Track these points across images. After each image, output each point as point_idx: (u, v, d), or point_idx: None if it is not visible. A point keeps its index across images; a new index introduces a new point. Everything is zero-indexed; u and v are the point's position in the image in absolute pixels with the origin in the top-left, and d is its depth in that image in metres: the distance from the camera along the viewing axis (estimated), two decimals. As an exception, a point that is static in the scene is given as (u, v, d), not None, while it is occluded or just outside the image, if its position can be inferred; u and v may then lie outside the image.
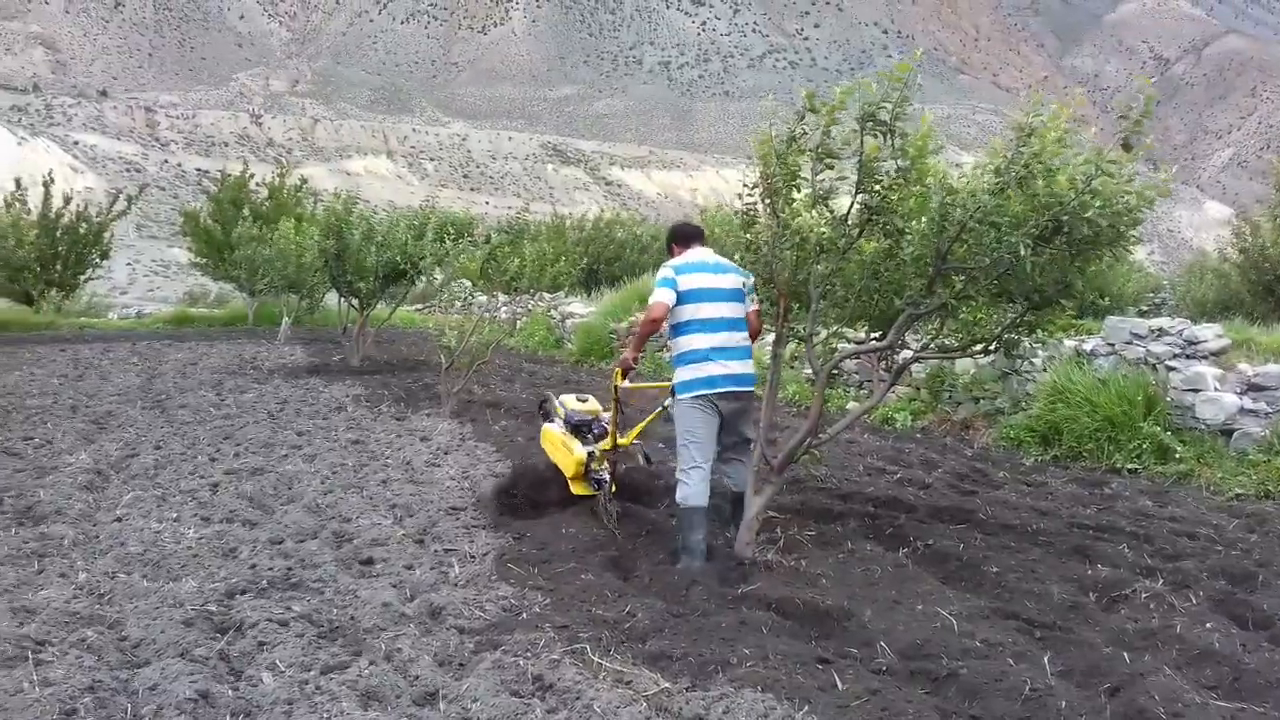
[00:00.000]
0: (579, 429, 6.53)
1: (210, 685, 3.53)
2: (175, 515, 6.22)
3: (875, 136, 4.97)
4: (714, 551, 5.31)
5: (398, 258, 13.17)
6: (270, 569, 5.04)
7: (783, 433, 9.26)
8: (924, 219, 4.90)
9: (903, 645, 4.05)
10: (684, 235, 5.92)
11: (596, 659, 3.87)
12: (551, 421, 6.82)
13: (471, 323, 10.66)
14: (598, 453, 6.28)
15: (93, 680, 3.53)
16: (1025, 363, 9.00)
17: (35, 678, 3.48)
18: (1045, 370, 8.85)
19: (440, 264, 12.00)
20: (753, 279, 5.65)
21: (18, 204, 22.51)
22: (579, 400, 6.77)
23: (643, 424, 6.21)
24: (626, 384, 6.03)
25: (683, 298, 5.45)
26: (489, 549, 5.51)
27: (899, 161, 4.98)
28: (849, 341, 6.16)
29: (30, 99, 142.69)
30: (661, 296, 5.45)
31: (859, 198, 5.08)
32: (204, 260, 26.25)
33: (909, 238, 5.01)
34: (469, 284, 18.51)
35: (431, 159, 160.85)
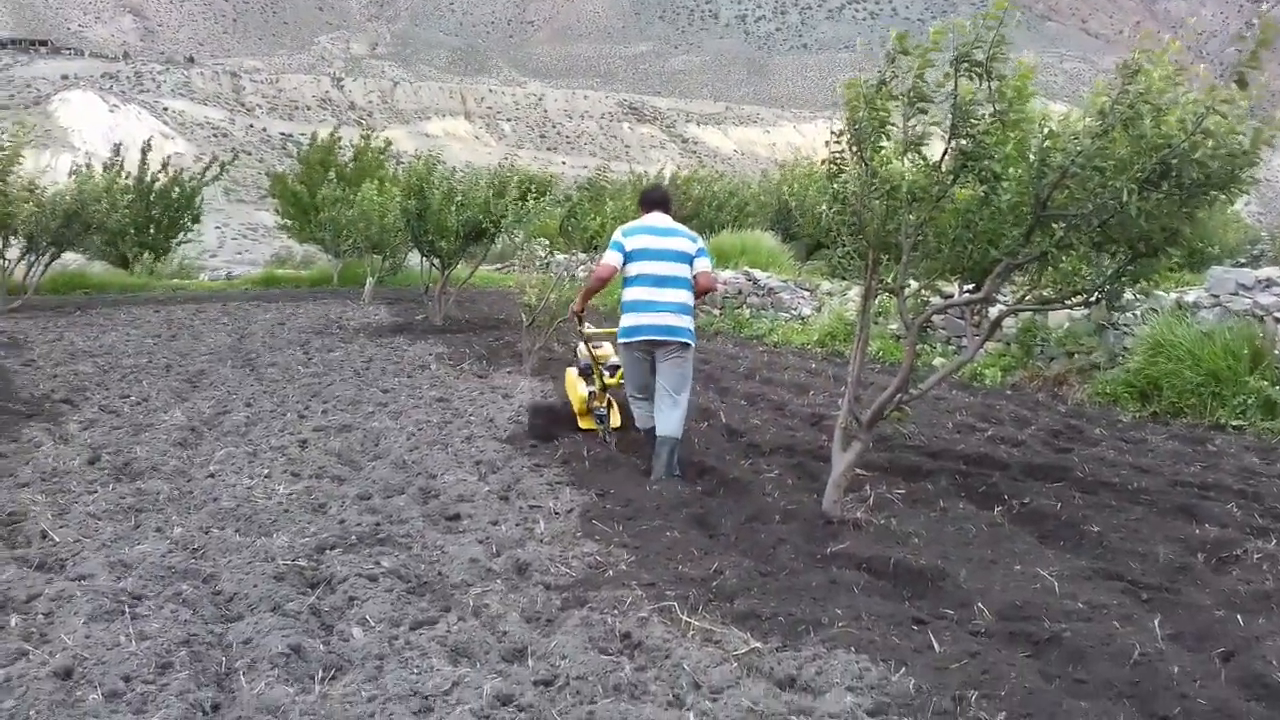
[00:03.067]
0: (585, 372, 7.46)
1: (302, 640, 3.56)
2: (266, 471, 6.33)
3: (970, 79, 4.75)
4: (802, 512, 5.22)
5: (479, 216, 13.19)
6: (359, 524, 5.09)
7: (867, 388, 9.09)
8: (1022, 164, 4.69)
9: (1001, 606, 3.92)
10: (647, 200, 6.68)
11: (685, 617, 3.81)
12: (574, 367, 7.80)
13: (551, 281, 10.62)
14: (595, 391, 7.19)
15: (188, 634, 3.59)
16: (1123, 316, 8.68)
17: (132, 631, 3.55)
18: (1144, 323, 8.50)
19: (520, 222, 11.98)
20: (702, 242, 6.51)
21: (113, 169, 23.09)
22: (592, 347, 7.45)
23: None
24: (589, 328, 7.13)
25: (630, 256, 6.23)
26: (573, 505, 5.49)
27: (995, 104, 4.75)
28: (940, 295, 5.95)
29: (121, 66, 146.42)
30: (608, 259, 6.29)
31: (953, 143, 4.86)
32: (291, 222, 26.74)
33: (1006, 184, 4.79)
34: (547, 242, 18.53)
35: (508, 119, 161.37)
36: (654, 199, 6.65)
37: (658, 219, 6.44)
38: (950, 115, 4.79)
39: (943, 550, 4.64)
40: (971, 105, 4.77)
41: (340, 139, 27.62)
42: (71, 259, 23.50)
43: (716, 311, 14.87)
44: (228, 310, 17.80)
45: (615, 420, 7.14)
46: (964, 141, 4.83)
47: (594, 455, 6.60)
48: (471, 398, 9.02)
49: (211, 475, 6.25)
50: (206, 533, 5.07)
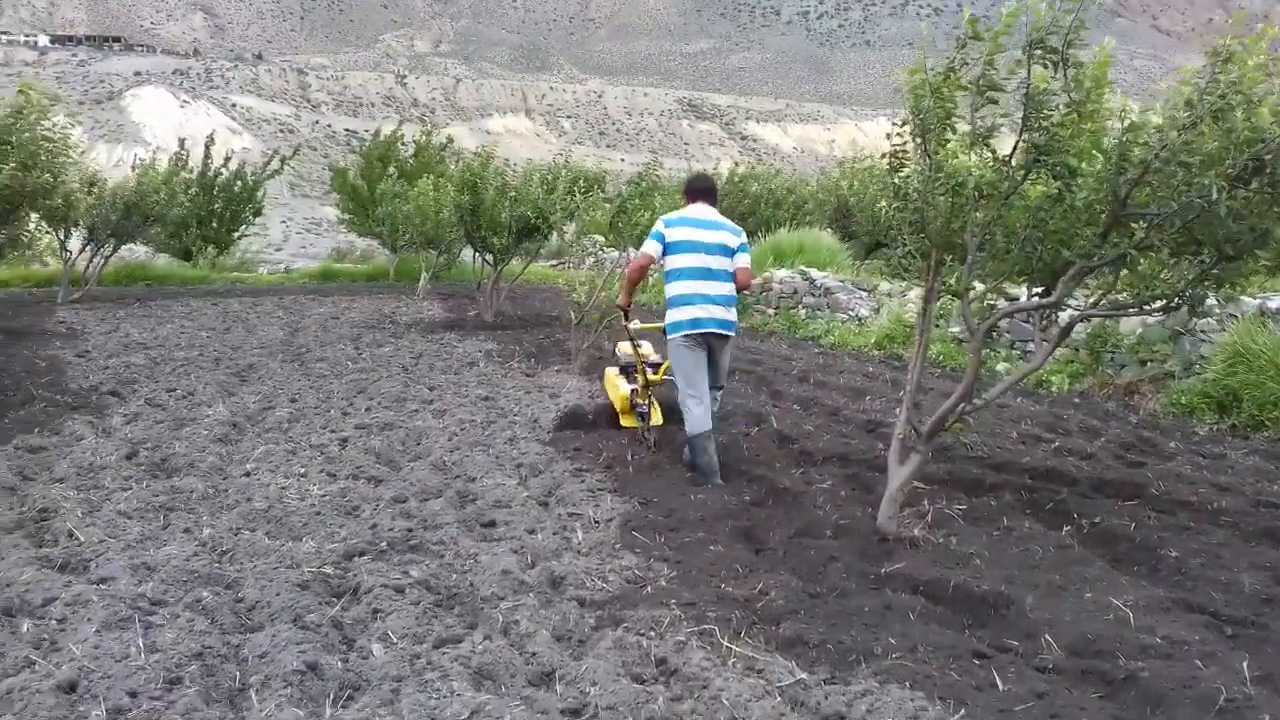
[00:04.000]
0: (626, 370, 7.49)
1: (320, 656, 3.37)
2: (303, 470, 6.18)
3: (1044, 66, 4.42)
4: (855, 527, 4.92)
5: (529, 213, 13.03)
6: (391, 529, 4.90)
7: (927, 395, 8.73)
8: (1099, 159, 4.35)
9: (1071, 639, 3.59)
10: (691, 190, 6.53)
11: (725, 642, 3.55)
12: (614, 366, 7.85)
13: (601, 278, 10.40)
14: (638, 389, 7.12)
15: (202, 646, 3.42)
16: (1201, 322, 8.23)
17: (142, 642, 3.38)
18: (1223, 330, 8.03)
19: (571, 217, 11.78)
20: (744, 238, 6.33)
21: (178, 163, 23.37)
22: (631, 346, 7.36)
23: (668, 363, 6.72)
24: (635, 325, 6.91)
25: (671, 248, 6.14)
26: (613, 514, 5.25)
27: (1071, 94, 4.41)
28: (1007, 298, 5.61)
29: (191, 63, 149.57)
30: (646, 248, 6.24)
31: (1024, 136, 4.53)
32: (350, 217, 26.87)
33: (1081, 180, 4.45)
34: (600, 239, 18.27)
35: (568, 116, 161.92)
36: (699, 188, 6.51)
37: (701, 210, 6.31)
38: (1023, 106, 4.46)
39: (1007, 574, 4.32)
40: (1045, 95, 4.44)
41: (402, 135, 27.69)
42: (137, 251, 23.88)
43: (771, 311, 14.54)
44: (283, 304, 17.87)
45: (657, 418, 7.04)
46: (1036, 134, 4.49)
47: (638, 461, 6.36)
48: (517, 397, 8.83)
49: (247, 474, 6.12)
50: (235, 534, 4.92)
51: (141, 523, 5.03)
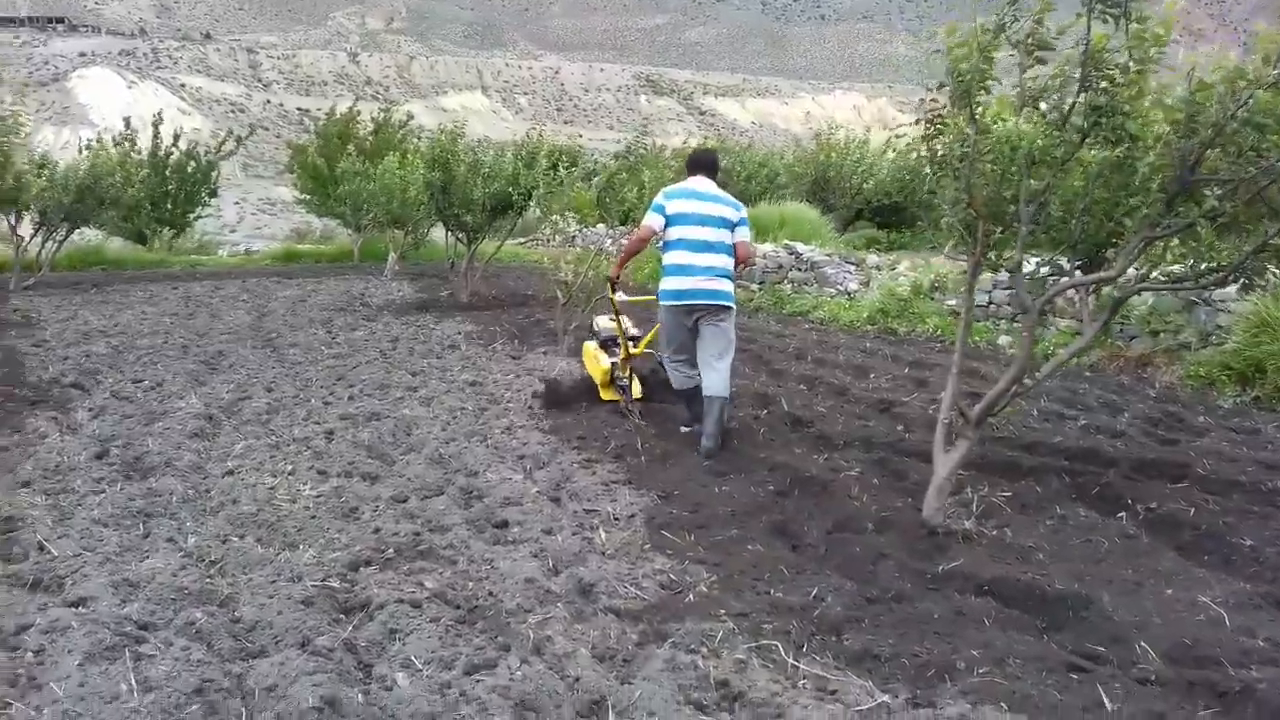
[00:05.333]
0: (606, 344, 7.49)
1: (337, 688, 2.96)
2: (290, 467, 5.74)
3: (1105, 20, 4.06)
4: (899, 520, 4.58)
5: (508, 189, 12.54)
6: (396, 533, 4.49)
7: (932, 371, 8.42)
8: (1167, 120, 4.02)
9: (1166, 645, 3.27)
10: (694, 162, 6.55)
11: (790, 660, 3.19)
12: (591, 340, 7.76)
13: (588, 257, 9.98)
14: (620, 362, 7.14)
15: (201, 679, 3.00)
16: (1217, 291, 7.97)
17: (134, 678, 2.96)
18: (1242, 299, 7.77)
19: (554, 193, 11.31)
20: (744, 212, 6.32)
21: (126, 143, 22.52)
22: (609, 320, 7.48)
23: (650, 335, 7.10)
24: (620, 296, 6.95)
25: (671, 220, 6.17)
26: (634, 509, 4.87)
27: (1134, 51, 4.06)
28: (1058, 270, 5.25)
29: (138, 43, 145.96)
30: (649, 221, 6.24)
31: (1082, 97, 4.18)
32: (310, 196, 26.13)
33: (1145, 144, 4.12)
34: (575, 216, 17.77)
35: (525, 93, 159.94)
36: (701, 161, 6.53)
37: (701, 183, 6.32)
38: (1081, 65, 4.11)
39: (1074, 569, 4.00)
40: (1105, 53, 4.09)
41: (359, 111, 26.99)
42: (89, 235, 23.03)
43: (755, 287, 14.18)
44: (247, 287, 17.24)
45: (637, 390, 7.09)
46: (1096, 95, 4.14)
47: (649, 449, 5.97)
48: (507, 381, 8.40)
49: (230, 472, 5.66)
50: (224, 542, 4.49)
51: (119, 531, 4.58)
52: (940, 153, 4.59)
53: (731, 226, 6.17)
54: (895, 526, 4.51)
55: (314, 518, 4.81)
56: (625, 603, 3.78)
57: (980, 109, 4.39)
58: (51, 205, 15.99)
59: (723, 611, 3.57)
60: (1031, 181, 4.25)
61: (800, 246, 13.94)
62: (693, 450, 5.99)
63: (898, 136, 4.80)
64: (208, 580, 3.98)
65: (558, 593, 3.86)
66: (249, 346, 10.53)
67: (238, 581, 3.99)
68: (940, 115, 4.64)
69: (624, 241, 12.86)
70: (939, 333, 10.54)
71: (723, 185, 6.55)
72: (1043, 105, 4.34)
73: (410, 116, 27.76)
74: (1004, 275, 10.20)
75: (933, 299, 11.12)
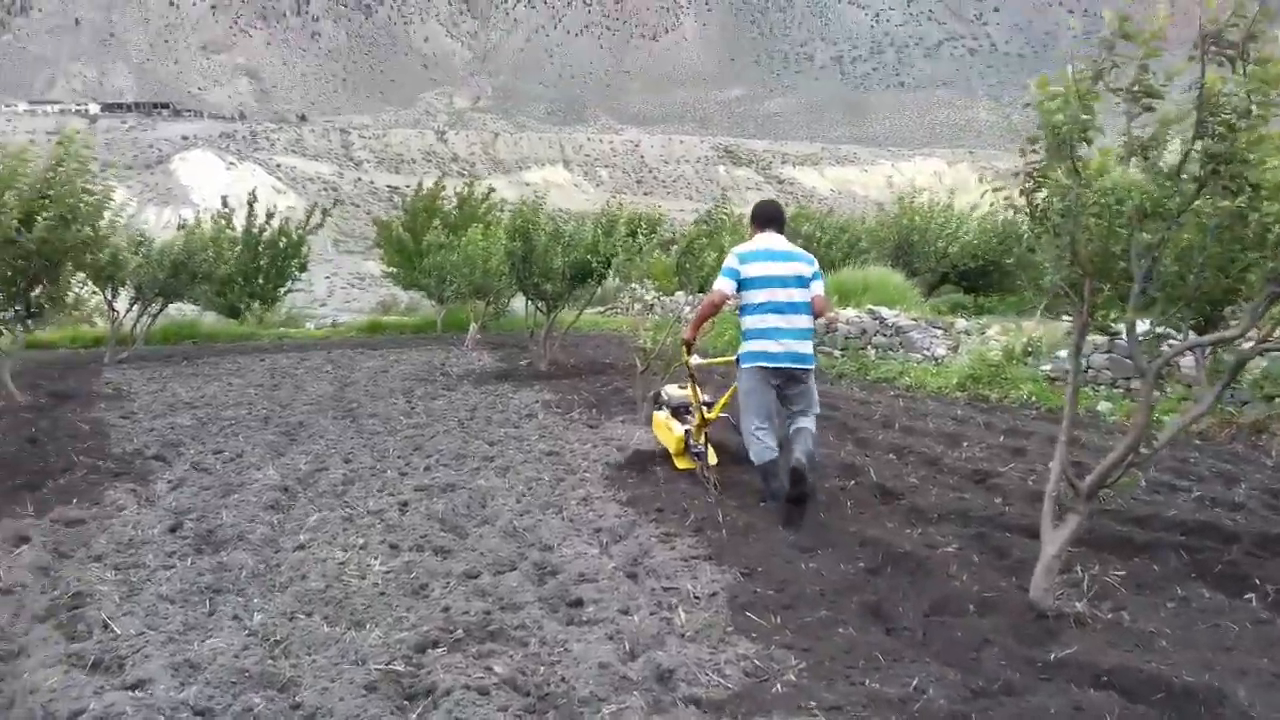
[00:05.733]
0: (678, 412, 7.32)
1: (396, 786, 2.74)
2: (362, 541, 5.59)
3: (1220, 63, 3.78)
4: (1003, 601, 4.23)
5: (587, 256, 12.51)
6: (466, 612, 4.29)
7: (1029, 439, 7.99)
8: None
9: (1321, 751, 2.88)
10: (761, 217, 6.37)
11: (892, 762, 2.88)
12: (660, 409, 7.60)
13: (667, 324, 9.80)
14: (693, 429, 7.00)
15: (255, 774, 2.81)
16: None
17: (185, 774, 2.78)
18: (1366, 363, 7.25)
19: (633, 260, 11.23)
20: (817, 265, 6.25)
21: (222, 220, 23.30)
22: (679, 388, 7.45)
23: (725, 398, 6.85)
24: (696, 360, 6.74)
25: (747, 284, 6.05)
26: (716, 588, 4.59)
27: (1252, 95, 3.77)
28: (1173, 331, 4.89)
29: (237, 126, 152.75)
30: (720, 285, 6.10)
31: (1197, 144, 3.88)
32: (395, 269, 26.63)
33: (1265, 192, 3.80)
34: (652, 284, 17.68)
35: (606, 166, 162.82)
36: (768, 215, 6.41)
37: (773, 240, 6.24)
38: (1196, 109, 3.82)
39: (1202, 657, 3.61)
40: (1221, 97, 3.80)
41: (444, 187, 27.58)
42: (185, 309, 23.74)
43: (839, 353, 13.85)
44: (331, 358, 17.46)
45: (713, 458, 6.94)
46: (1212, 142, 3.84)
47: (730, 522, 5.69)
48: (584, 451, 8.21)
49: (301, 546, 5.54)
50: (291, 620, 4.33)
51: (185, 608, 4.46)
52: (1040, 207, 4.32)
53: (807, 283, 6.12)
54: (999, 609, 4.16)
55: (383, 594, 4.63)
56: (707, 691, 3.51)
57: (1081, 161, 4.12)
58: (146, 280, 16.48)
59: (814, 704, 3.27)
60: (1145, 235, 3.95)
61: (884, 311, 13.61)
62: (776, 525, 5.69)
63: (995, 190, 4.53)
64: (270, 662, 3.82)
65: (634, 679, 3.59)
66: (329, 417, 10.55)
67: (300, 664, 3.82)
68: (1037, 168, 4.38)
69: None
70: (1033, 399, 10.08)
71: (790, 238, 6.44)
72: (1152, 155, 4.06)
73: (491, 190, 28.27)
74: (1103, 338, 9.77)
75: (1026, 364, 10.68)
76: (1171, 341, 4.33)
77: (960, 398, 10.78)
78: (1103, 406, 9.34)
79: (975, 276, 19.53)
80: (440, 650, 3.88)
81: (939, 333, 12.77)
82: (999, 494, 6.32)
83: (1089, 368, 9.88)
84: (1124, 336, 4.40)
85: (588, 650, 3.81)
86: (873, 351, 13.36)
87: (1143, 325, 4.44)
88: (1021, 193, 4.49)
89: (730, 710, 3.35)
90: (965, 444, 8.05)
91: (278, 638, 4.13)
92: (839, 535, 5.42)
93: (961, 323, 13.03)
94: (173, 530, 5.84)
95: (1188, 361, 8.73)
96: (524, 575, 4.90)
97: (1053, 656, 3.65)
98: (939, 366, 11.96)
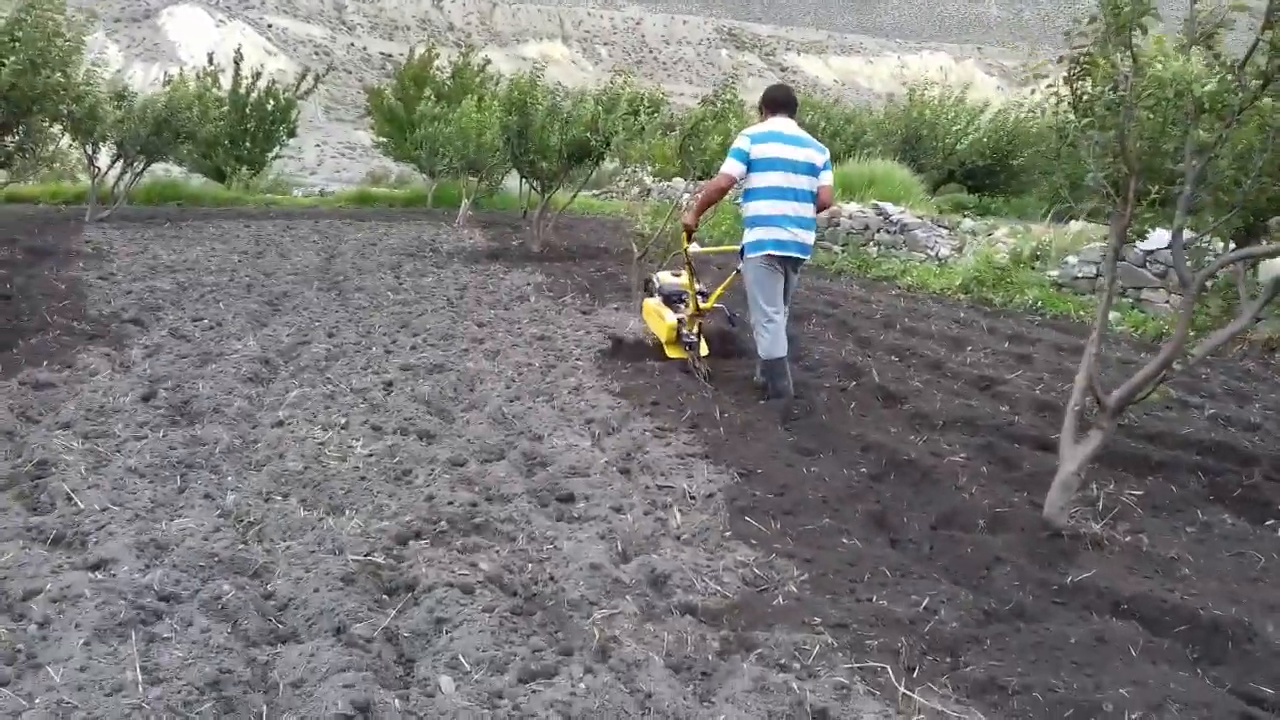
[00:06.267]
0: (670, 299, 7.04)
1: (371, 692, 2.54)
2: (343, 420, 5.35)
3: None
4: (1014, 517, 4.03)
5: (586, 134, 12.01)
6: (451, 502, 4.07)
7: (1035, 346, 7.77)
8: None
9: (1357, 696, 2.71)
10: (773, 101, 6.09)
11: (903, 689, 2.69)
12: (651, 296, 7.28)
13: (666, 209, 9.44)
14: (686, 318, 6.72)
15: (218, 670, 2.61)
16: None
17: (141, 666, 2.57)
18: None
19: (633, 139, 10.75)
20: (828, 155, 6.07)
21: (207, 79, 22.42)
22: (673, 275, 7.21)
23: (721, 288, 6.55)
24: (695, 248, 6.42)
25: (755, 165, 5.79)
26: (713, 488, 4.39)
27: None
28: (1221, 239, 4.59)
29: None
30: (728, 168, 5.84)
31: (1266, 35, 3.52)
32: (386, 140, 25.88)
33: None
34: (650, 167, 17.16)
35: (605, 43, 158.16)
36: (780, 100, 6.13)
37: (785, 125, 5.97)
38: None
39: (1227, 589, 3.43)
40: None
41: (437, 55, 26.59)
42: (173, 170, 23.09)
43: (839, 249, 13.51)
44: (319, 228, 17.03)
45: (704, 349, 6.67)
46: (1284, 32, 3.48)
47: (728, 419, 5.47)
48: (577, 338, 7.96)
49: (280, 423, 5.29)
50: (266, 501, 4.12)
51: (154, 484, 4.23)
52: (1085, 97, 3.96)
53: (817, 172, 5.89)
54: (1010, 525, 3.97)
55: (364, 479, 4.41)
56: (704, 600, 3.32)
57: (1139, 48, 3.76)
58: (128, 137, 15.89)
59: (818, 620, 3.08)
60: (1201, 133, 3.62)
61: (889, 207, 13.22)
62: (775, 425, 5.47)
63: (1039, 77, 4.15)
64: (242, 546, 3.60)
65: (627, 583, 3.39)
66: (314, 289, 10.23)
67: (275, 550, 3.61)
68: (1088, 55, 4.01)
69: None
70: (1039, 305, 9.82)
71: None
72: (1215, 44, 3.70)
73: (488, 61, 27.28)
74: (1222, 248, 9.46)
75: (1033, 269, 10.39)
76: (1215, 252, 4.04)
77: (963, 300, 10.51)
78: (1110, 316, 9.09)
79: (981, 176, 19.06)
80: (423, 542, 3.67)
81: (944, 232, 12.43)
82: (1005, 402, 6.11)
83: (1098, 275, 9.61)
84: (1144, 243, 4.12)
85: (578, 549, 3.61)
86: (875, 248, 13.02)
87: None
88: (1067, 80, 4.13)
89: (729, 621, 3.16)
90: (969, 348, 7.83)
91: (251, 519, 3.92)
92: (841, 438, 5.22)
93: (968, 222, 12.68)
94: (146, 399, 5.58)
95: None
96: (512, 465, 4.68)
97: (1069, 580, 3.46)
98: (942, 267, 11.65)
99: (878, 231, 13.08)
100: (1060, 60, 4.18)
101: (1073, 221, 10.70)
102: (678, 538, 3.87)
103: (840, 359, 7.15)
